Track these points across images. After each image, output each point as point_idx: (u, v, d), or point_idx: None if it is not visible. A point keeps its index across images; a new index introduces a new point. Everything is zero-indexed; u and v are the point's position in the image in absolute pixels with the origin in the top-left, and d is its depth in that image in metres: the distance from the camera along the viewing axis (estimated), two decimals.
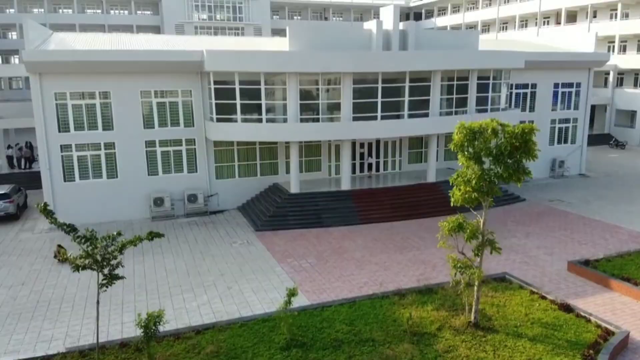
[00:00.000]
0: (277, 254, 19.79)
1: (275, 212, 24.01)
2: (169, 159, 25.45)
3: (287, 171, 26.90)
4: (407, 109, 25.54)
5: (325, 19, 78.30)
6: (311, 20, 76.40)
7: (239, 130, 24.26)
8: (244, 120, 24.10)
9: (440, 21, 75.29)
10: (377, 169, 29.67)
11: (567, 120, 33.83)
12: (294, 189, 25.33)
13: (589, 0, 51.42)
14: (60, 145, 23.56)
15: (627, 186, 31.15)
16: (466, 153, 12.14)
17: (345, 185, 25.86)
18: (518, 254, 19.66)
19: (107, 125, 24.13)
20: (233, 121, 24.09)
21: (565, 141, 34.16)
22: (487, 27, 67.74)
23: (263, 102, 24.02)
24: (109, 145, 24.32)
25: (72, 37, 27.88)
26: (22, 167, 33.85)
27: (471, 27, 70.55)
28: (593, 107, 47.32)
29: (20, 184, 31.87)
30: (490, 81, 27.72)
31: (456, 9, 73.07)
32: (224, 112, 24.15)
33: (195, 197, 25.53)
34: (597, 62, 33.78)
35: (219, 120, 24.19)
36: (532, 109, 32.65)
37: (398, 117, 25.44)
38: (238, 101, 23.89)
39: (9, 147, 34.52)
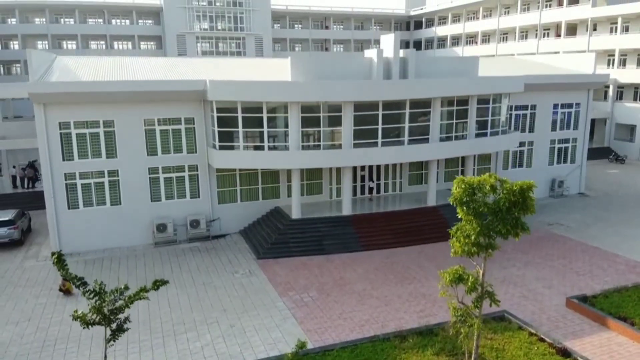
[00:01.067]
0: (279, 287, 20.04)
1: (277, 239, 24.27)
2: (171, 185, 25.70)
3: (289, 194, 27.18)
4: (407, 135, 25.81)
5: (326, 27, 78.59)
6: (312, 29, 76.82)
7: (241, 158, 24.52)
8: (246, 148, 24.37)
9: (440, 30, 75.57)
10: (378, 191, 29.91)
11: (566, 140, 34.06)
12: (295, 214, 25.58)
13: (589, 13, 51.68)
14: (64, 174, 23.81)
15: (626, 207, 31.39)
16: (465, 208, 12.36)
17: (347, 210, 26.11)
18: (517, 287, 19.91)
19: (111, 153, 24.38)
20: (235, 149, 24.35)
21: (565, 161, 34.38)
22: (487, 37, 67.97)
23: (265, 129, 24.28)
24: (113, 173, 24.57)
25: (75, 62, 28.12)
26: (25, 186, 34.06)
27: (471, 37, 70.81)
28: (593, 121, 47.53)
29: (24, 204, 32.19)
30: (490, 105, 27.98)
31: (456, 18, 73.32)
32: (227, 139, 24.40)
33: (197, 223, 25.78)
34: (597, 83, 34.01)
35: (221, 147, 24.44)
36: (531, 129, 32.89)
37: (399, 142, 25.67)
38: (240, 129, 24.15)
39: (14, 167, 34.79)
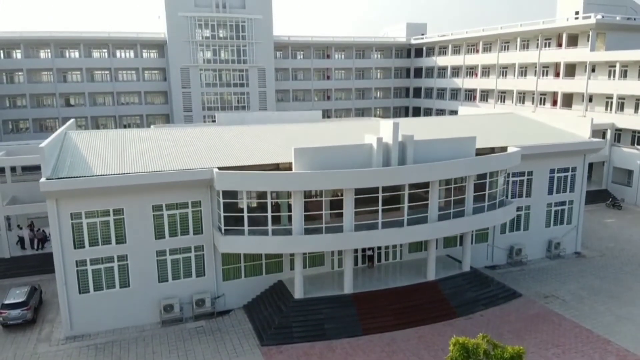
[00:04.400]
0: None
1: (280, 323, 25.11)
2: (178, 265, 26.55)
3: (292, 267, 28.06)
4: (406, 215, 26.61)
5: (328, 56, 79.48)
6: (314, 59, 77.72)
7: (247, 244, 25.37)
8: (251, 233, 25.20)
9: (440, 60, 76.32)
10: (379, 260, 30.80)
11: (562, 203, 34.82)
12: (298, 293, 26.42)
13: (587, 57, 52.41)
14: (76, 261, 24.67)
15: (620, 273, 32.14)
16: None
17: (348, 287, 26.94)
18: None
19: (120, 239, 25.24)
20: (240, 233, 25.19)
21: (562, 222, 35.15)
22: (487, 70, 68.71)
23: (269, 214, 25.15)
24: (122, 258, 25.44)
25: (84, 140, 28.92)
26: (35, 247, 34.84)
27: (471, 68, 71.51)
28: (590, 164, 48.22)
29: (33, 268, 33.13)
30: (487, 180, 28.79)
31: (457, 49, 74.03)
32: (232, 223, 25.25)
33: (203, 302, 26.64)
34: (592, 150, 34.76)
35: (227, 232, 25.27)
36: (528, 194, 33.67)
37: (398, 223, 26.42)
38: (245, 214, 25.06)
39: (20, 227, 35.61)
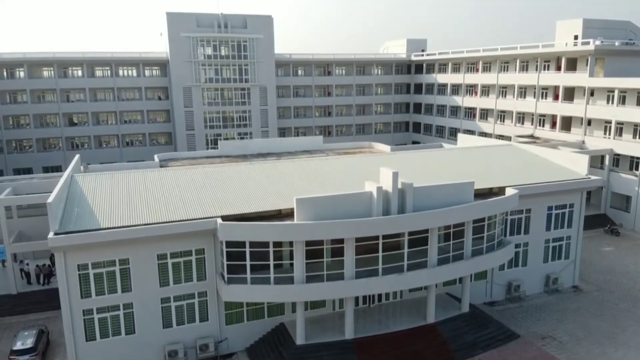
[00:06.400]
0: None
1: None
2: (182, 311, 27.08)
3: (294, 310, 28.56)
4: (406, 260, 27.12)
5: (329, 73, 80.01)
6: (315, 76, 78.27)
7: (249, 292, 25.87)
8: (254, 281, 25.72)
9: (440, 78, 76.80)
10: (379, 299, 31.31)
11: (560, 239, 35.30)
12: (299, 339, 26.95)
13: (586, 82, 52.87)
14: (83, 310, 25.22)
15: (616, 310, 32.65)
16: None
17: (349, 333, 27.46)
18: None
19: (126, 288, 25.77)
20: (243, 282, 25.71)
21: (559, 257, 35.63)
22: (487, 89, 69.14)
23: (271, 262, 25.69)
24: (127, 306, 25.97)
25: (89, 184, 29.43)
26: (41, 282, 35.37)
27: (471, 86, 71.94)
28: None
29: (39, 304, 33.69)
30: (486, 222, 29.30)
31: (457, 67, 74.46)
32: (235, 271, 25.78)
33: (206, 346, 27.18)
34: (590, 187, 35.24)
35: (230, 281, 25.80)
36: (526, 231, 34.16)
37: (398, 269, 26.92)
38: (248, 262, 25.57)
39: (21, 261, 36.07)
